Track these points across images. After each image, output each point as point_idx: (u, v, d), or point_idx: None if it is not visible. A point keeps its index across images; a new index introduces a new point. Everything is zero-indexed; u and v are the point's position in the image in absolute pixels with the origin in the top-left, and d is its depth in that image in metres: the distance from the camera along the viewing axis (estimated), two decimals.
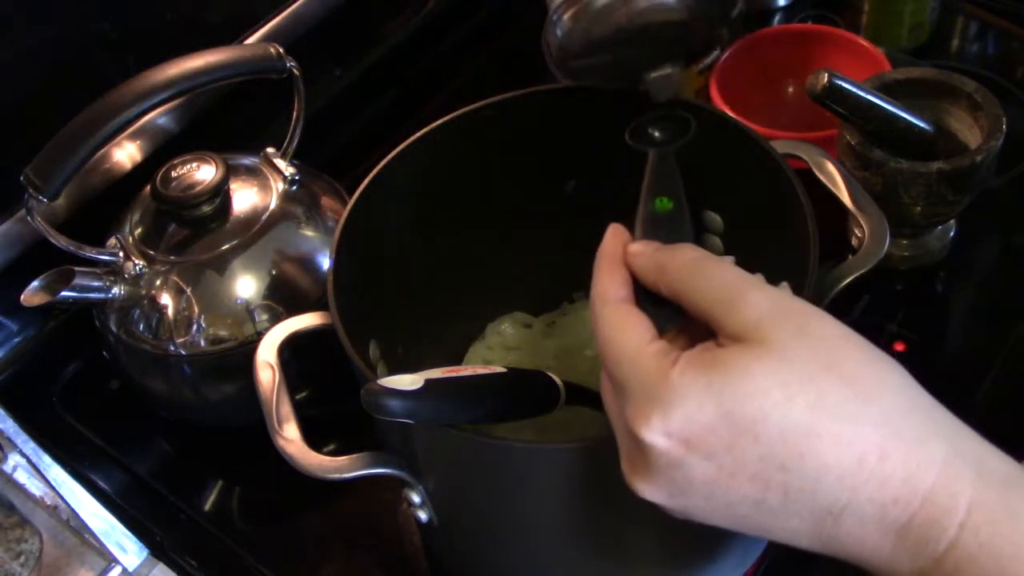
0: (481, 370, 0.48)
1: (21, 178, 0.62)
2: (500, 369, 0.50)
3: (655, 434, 0.36)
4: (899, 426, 0.35)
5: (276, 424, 0.50)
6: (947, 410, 0.37)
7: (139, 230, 0.68)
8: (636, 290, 0.41)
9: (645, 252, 0.41)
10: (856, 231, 0.73)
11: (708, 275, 0.38)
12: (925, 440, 0.35)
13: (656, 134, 0.50)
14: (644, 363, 0.37)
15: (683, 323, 0.39)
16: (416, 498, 0.52)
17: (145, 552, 0.65)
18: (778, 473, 0.35)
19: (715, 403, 0.35)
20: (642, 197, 0.46)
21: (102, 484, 0.70)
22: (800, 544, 0.37)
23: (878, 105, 0.66)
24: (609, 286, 0.40)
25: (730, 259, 0.43)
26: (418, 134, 0.58)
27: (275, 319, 0.65)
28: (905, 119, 0.67)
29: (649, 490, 0.37)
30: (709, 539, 0.53)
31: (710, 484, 0.36)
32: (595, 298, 0.41)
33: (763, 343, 0.35)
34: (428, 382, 0.44)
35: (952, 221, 0.74)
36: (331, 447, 0.65)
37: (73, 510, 0.66)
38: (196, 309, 0.66)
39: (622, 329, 0.38)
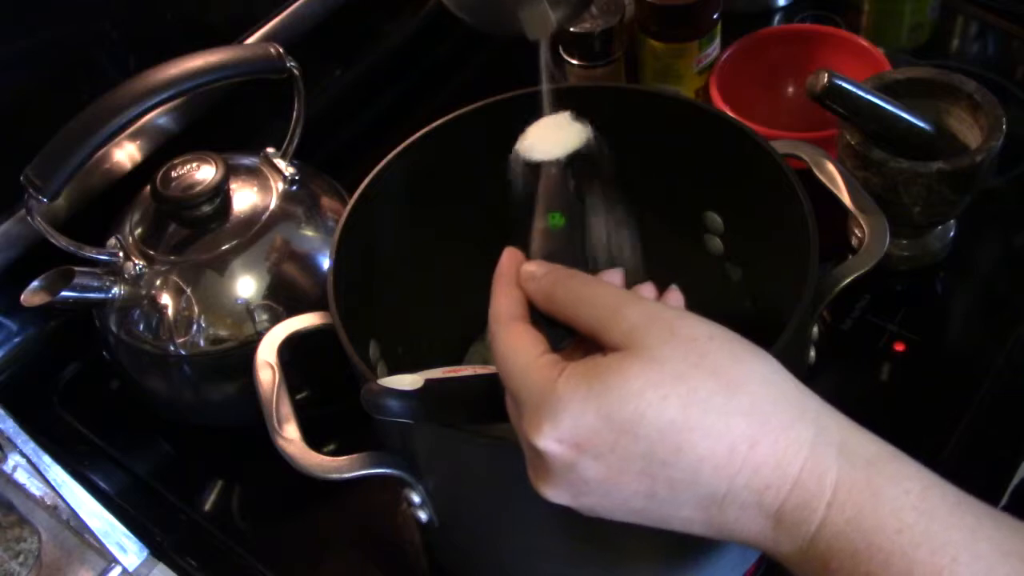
0: (481, 370, 0.48)
1: (21, 178, 0.62)
2: None
3: (548, 440, 0.38)
4: (767, 414, 0.37)
5: (276, 424, 0.50)
6: (814, 394, 0.39)
7: (139, 230, 0.69)
8: (532, 310, 0.43)
9: (536, 277, 0.43)
10: (856, 231, 0.73)
11: (588, 298, 0.41)
12: (792, 425, 0.37)
13: (547, 146, 0.50)
14: (534, 376, 0.39)
15: (578, 339, 0.42)
16: (416, 498, 0.52)
17: (145, 552, 0.65)
18: (661, 468, 0.37)
19: (596, 407, 0.37)
20: (536, 210, 0.47)
21: (102, 484, 0.70)
22: (697, 532, 0.39)
23: (878, 105, 0.66)
24: (504, 306, 0.43)
25: (617, 273, 0.45)
26: (418, 134, 0.58)
27: (275, 319, 0.65)
28: (905, 119, 0.67)
29: (553, 493, 0.40)
30: (709, 540, 0.53)
31: (603, 483, 0.38)
32: (491, 318, 0.43)
33: (636, 349, 0.38)
34: (428, 382, 0.44)
35: (952, 221, 0.74)
36: (331, 447, 0.65)
37: (73, 510, 0.66)
38: (196, 309, 0.66)
39: (514, 346, 0.41)
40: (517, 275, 0.44)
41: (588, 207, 0.56)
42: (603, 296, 0.41)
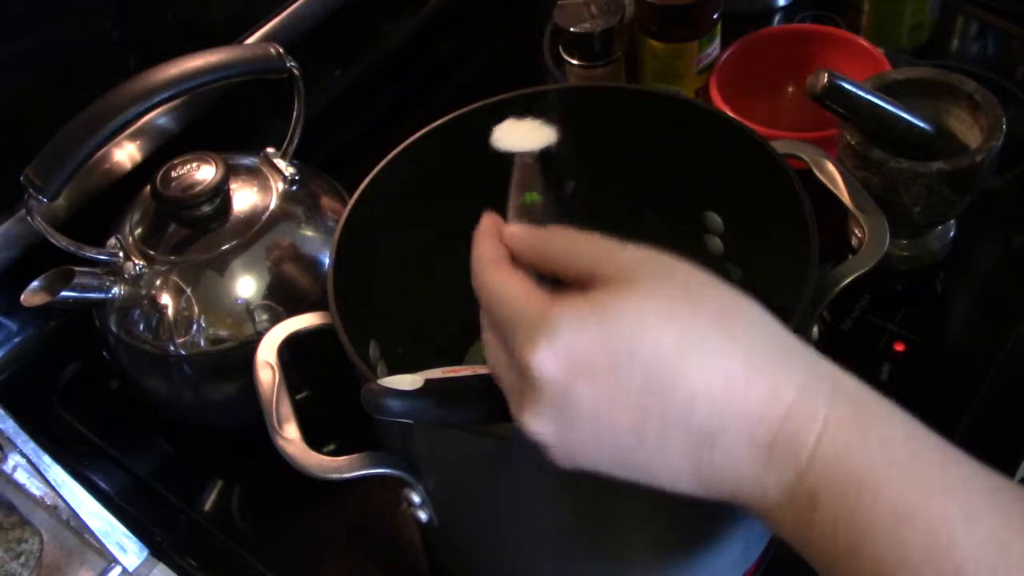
0: (481, 370, 0.48)
1: (21, 178, 0.62)
2: None
3: (542, 359, 0.37)
4: (761, 353, 0.38)
5: (276, 424, 0.50)
6: (801, 339, 0.39)
7: (139, 230, 0.69)
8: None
9: (520, 233, 0.43)
10: (856, 231, 0.73)
11: (582, 242, 0.41)
12: (784, 363, 0.38)
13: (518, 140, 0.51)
14: (528, 300, 0.39)
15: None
16: (416, 498, 0.52)
17: (145, 552, 0.65)
18: (656, 401, 0.37)
19: (594, 327, 0.37)
20: (511, 191, 0.49)
21: (102, 484, 0.70)
22: (682, 484, 0.39)
23: (878, 105, 0.66)
24: (488, 252, 0.43)
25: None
26: (418, 134, 0.58)
27: (275, 319, 0.65)
28: (905, 119, 0.67)
29: (538, 423, 0.38)
30: (709, 539, 0.53)
31: (595, 412, 0.37)
32: (476, 262, 0.43)
33: (633, 282, 0.38)
34: (428, 382, 0.44)
35: (952, 221, 0.74)
36: (331, 447, 0.65)
37: (73, 510, 0.66)
38: (196, 309, 0.66)
39: (504, 280, 0.41)
40: (500, 234, 0.44)
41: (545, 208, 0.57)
42: (596, 241, 0.41)
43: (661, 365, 0.37)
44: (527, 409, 0.39)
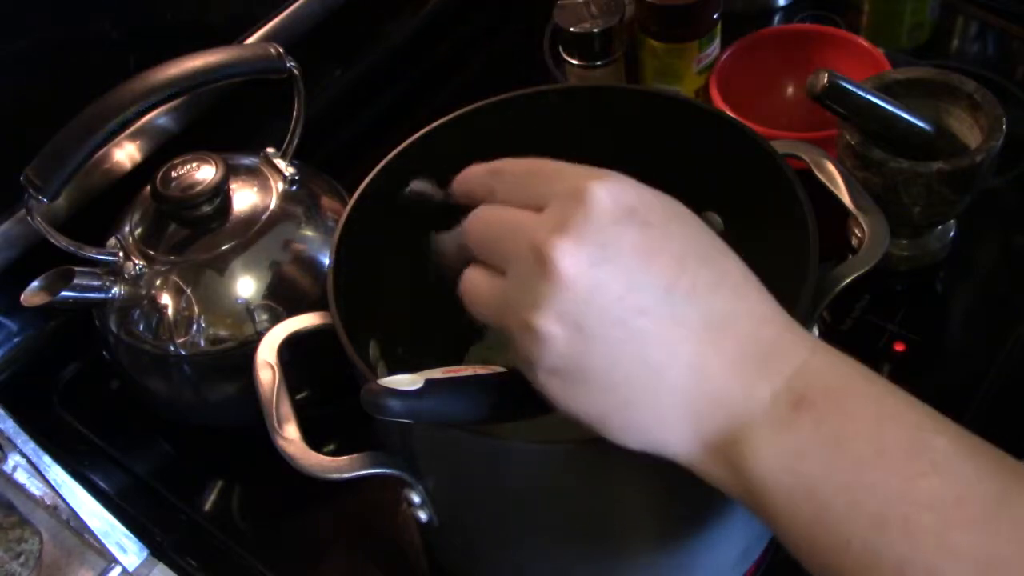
0: (481, 370, 0.48)
1: (21, 178, 0.62)
2: (500, 369, 0.50)
3: (603, 190, 0.37)
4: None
5: (276, 424, 0.50)
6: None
7: (139, 230, 0.69)
8: None
9: (476, 170, 0.43)
10: (856, 231, 0.73)
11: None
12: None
13: None
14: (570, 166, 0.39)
15: None
16: (416, 498, 0.52)
17: (145, 552, 0.65)
18: (695, 263, 0.38)
19: (652, 190, 0.39)
20: None
21: (102, 484, 0.70)
22: (677, 368, 0.38)
23: (878, 105, 0.66)
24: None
25: None
26: (418, 134, 0.58)
27: (275, 319, 0.65)
28: (905, 119, 0.67)
29: (571, 248, 0.37)
30: (709, 539, 0.53)
31: (636, 255, 0.37)
32: (497, 167, 0.42)
33: None
34: (428, 382, 0.44)
35: (952, 221, 0.74)
36: (331, 447, 0.65)
37: (73, 510, 0.66)
38: (196, 309, 0.66)
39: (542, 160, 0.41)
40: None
41: None
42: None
43: (701, 240, 0.39)
44: (563, 232, 0.37)
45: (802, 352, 0.38)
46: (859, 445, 0.36)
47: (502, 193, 0.41)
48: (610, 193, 0.37)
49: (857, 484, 0.36)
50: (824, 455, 0.36)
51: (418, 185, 0.48)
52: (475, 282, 0.41)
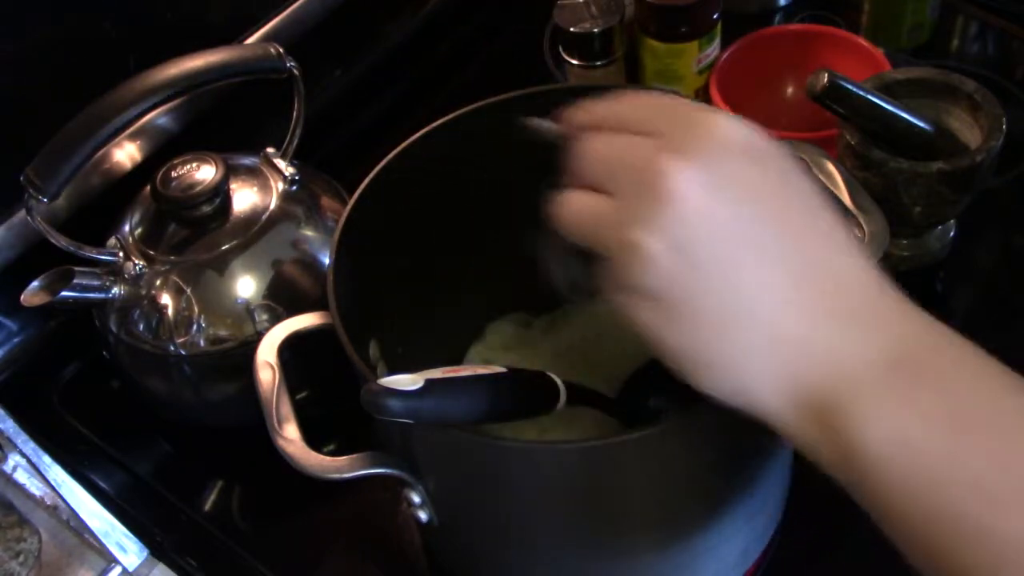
0: (481, 370, 0.48)
1: (21, 178, 0.62)
2: (500, 369, 0.50)
3: (726, 123, 0.38)
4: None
5: (276, 424, 0.50)
6: None
7: (139, 230, 0.68)
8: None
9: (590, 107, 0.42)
10: (856, 231, 0.73)
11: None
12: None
13: None
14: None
15: None
16: (416, 498, 0.52)
17: (145, 552, 0.65)
18: (803, 211, 0.38)
19: (770, 138, 0.39)
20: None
21: (102, 484, 0.70)
22: (773, 300, 0.37)
23: (878, 105, 0.66)
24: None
25: None
26: (418, 134, 0.58)
27: (275, 319, 0.65)
28: (905, 119, 0.67)
29: (687, 170, 0.37)
30: (709, 539, 0.53)
31: (749, 189, 0.38)
32: (589, 137, 0.41)
33: None
34: (428, 382, 0.44)
35: (952, 221, 0.74)
36: (331, 447, 0.65)
37: (73, 510, 0.66)
38: (196, 309, 0.66)
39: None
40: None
41: None
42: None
43: (812, 194, 0.39)
44: (684, 150, 0.37)
45: (911, 316, 0.37)
46: (977, 418, 0.36)
47: (618, 123, 0.41)
48: (732, 127, 0.38)
49: (973, 458, 0.35)
50: (941, 429, 0.35)
51: (534, 121, 0.47)
52: (575, 199, 0.41)
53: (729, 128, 0.38)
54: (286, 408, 0.50)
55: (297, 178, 0.70)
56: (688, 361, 0.39)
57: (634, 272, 0.38)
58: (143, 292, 0.66)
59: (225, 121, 0.82)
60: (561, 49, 0.83)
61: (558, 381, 0.53)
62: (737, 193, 0.37)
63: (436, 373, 0.45)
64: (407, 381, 0.43)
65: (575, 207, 0.41)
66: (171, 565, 0.65)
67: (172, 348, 0.66)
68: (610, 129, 0.40)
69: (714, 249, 0.37)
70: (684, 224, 0.37)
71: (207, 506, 0.69)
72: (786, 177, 0.39)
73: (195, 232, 0.67)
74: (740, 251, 0.37)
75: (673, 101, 0.41)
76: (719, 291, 0.37)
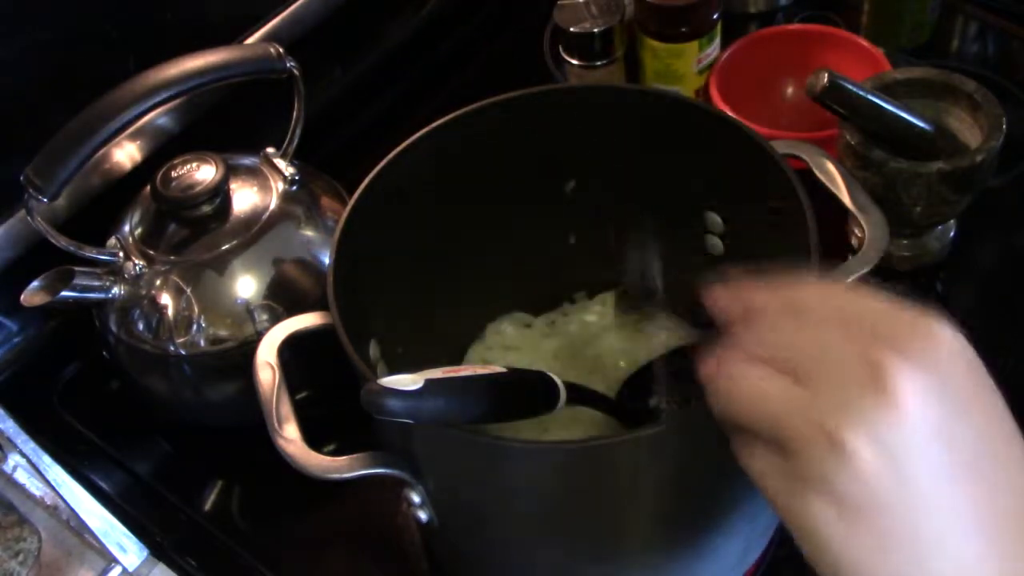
0: (481, 370, 0.48)
1: (21, 178, 0.62)
2: (500, 369, 0.50)
3: (949, 329, 0.36)
4: None
5: (276, 424, 0.50)
6: None
7: (139, 230, 0.68)
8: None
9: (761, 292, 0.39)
10: (856, 231, 0.73)
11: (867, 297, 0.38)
12: None
13: None
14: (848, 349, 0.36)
15: None
16: (416, 498, 0.52)
17: (145, 552, 0.65)
18: (1008, 436, 0.36)
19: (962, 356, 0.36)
20: None
21: (102, 484, 0.70)
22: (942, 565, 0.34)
23: (878, 105, 0.66)
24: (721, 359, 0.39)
25: None
26: (418, 134, 0.58)
27: (275, 319, 0.65)
28: (905, 119, 0.67)
29: (914, 374, 0.34)
30: (709, 540, 0.53)
31: (971, 402, 0.35)
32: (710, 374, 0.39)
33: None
34: (428, 382, 0.44)
35: (952, 221, 0.74)
36: (331, 447, 0.65)
37: (73, 510, 0.66)
38: (196, 309, 0.66)
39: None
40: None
41: None
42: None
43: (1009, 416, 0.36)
44: (907, 365, 0.34)
45: None
46: None
47: (821, 311, 0.37)
48: (958, 339, 0.36)
49: None
50: None
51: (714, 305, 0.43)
52: (755, 375, 0.37)
53: (956, 340, 0.36)
54: (286, 408, 0.50)
55: (297, 178, 0.70)
56: (846, 571, 0.35)
57: (827, 469, 0.34)
58: (143, 292, 0.66)
59: (225, 121, 0.82)
60: (561, 49, 0.83)
61: (558, 381, 0.53)
62: (958, 408, 0.35)
63: (436, 373, 0.45)
64: (407, 381, 0.43)
65: (755, 383, 0.37)
66: (171, 565, 0.65)
67: (172, 348, 0.66)
68: (798, 313, 0.38)
69: (927, 465, 0.34)
70: (902, 431, 0.33)
71: (207, 506, 0.69)
72: (995, 397, 0.36)
73: (195, 232, 0.67)
74: (952, 471, 0.34)
75: (879, 295, 0.38)
76: (923, 511, 0.34)
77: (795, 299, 0.38)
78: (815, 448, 0.34)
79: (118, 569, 0.64)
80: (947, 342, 0.35)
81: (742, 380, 0.37)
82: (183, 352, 0.66)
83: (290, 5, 0.85)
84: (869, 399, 0.33)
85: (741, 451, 0.38)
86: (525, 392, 0.52)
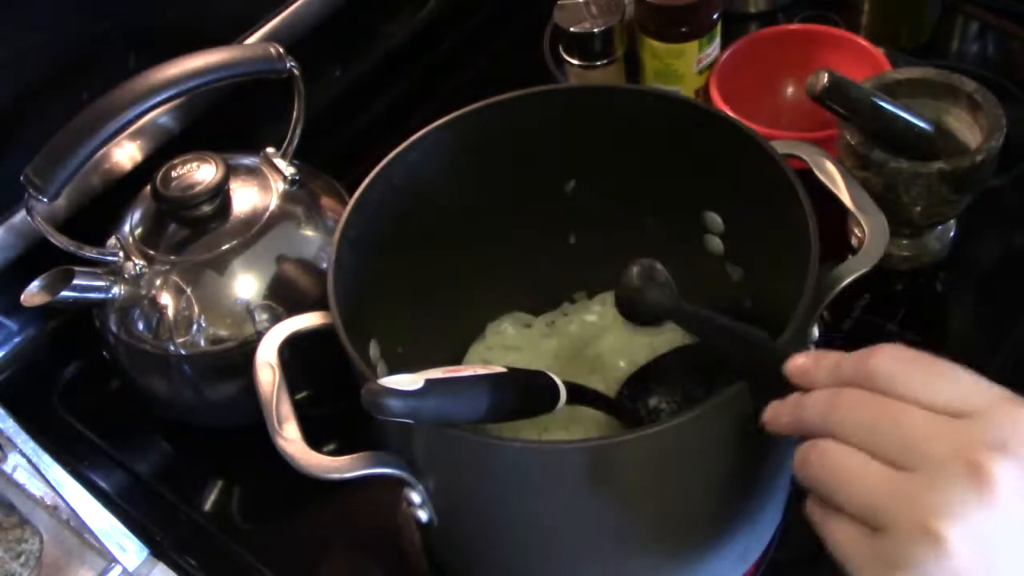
0: (481, 370, 0.48)
1: (21, 178, 0.62)
2: (500, 369, 0.50)
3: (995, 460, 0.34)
4: None
5: (276, 424, 0.50)
6: None
7: (139, 230, 0.69)
8: None
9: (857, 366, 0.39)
10: (856, 231, 0.73)
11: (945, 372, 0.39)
12: None
13: None
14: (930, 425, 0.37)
15: None
16: (416, 498, 0.52)
17: (145, 552, 0.65)
18: None
19: None
20: None
21: (102, 484, 0.70)
22: None
23: (878, 105, 0.66)
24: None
25: None
26: (418, 134, 0.58)
27: (275, 319, 0.65)
28: (905, 119, 0.67)
29: (1012, 467, 0.34)
30: (709, 540, 0.53)
31: None
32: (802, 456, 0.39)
33: None
34: (428, 382, 0.44)
35: (952, 221, 0.74)
36: (331, 447, 0.65)
37: (73, 510, 0.66)
38: (196, 309, 0.66)
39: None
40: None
41: None
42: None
43: None
44: (975, 495, 0.34)
45: None
46: None
47: (902, 386, 0.38)
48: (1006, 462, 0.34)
49: None
50: None
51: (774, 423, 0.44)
52: (854, 462, 0.37)
53: None
54: (286, 408, 0.50)
55: (297, 178, 0.70)
56: None
57: (920, 560, 0.34)
58: (143, 292, 0.66)
59: (225, 121, 0.82)
60: (561, 49, 0.83)
61: (558, 381, 0.53)
62: None
63: (436, 373, 0.45)
64: (407, 381, 0.43)
65: (853, 464, 0.37)
66: (171, 565, 0.65)
67: (172, 348, 0.66)
68: (876, 389, 0.38)
69: (1017, 558, 0.34)
70: (998, 526, 0.34)
71: (207, 506, 0.69)
72: None
73: (195, 232, 0.67)
74: None
75: (972, 375, 0.38)
76: None
77: (883, 374, 0.38)
78: (911, 537, 0.34)
79: (118, 569, 0.64)
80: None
81: (838, 455, 0.38)
82: (183, 352, 0.66)
83: (290, 5, 0.85)
84: (968, 491, 0.34)
85: (821, 515, 0.38)
86: (525, 392, 0.52)
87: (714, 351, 0.52)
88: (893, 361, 0.39)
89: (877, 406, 0.38)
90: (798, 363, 0.42)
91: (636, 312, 0.56)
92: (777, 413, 0.42)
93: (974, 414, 0.36)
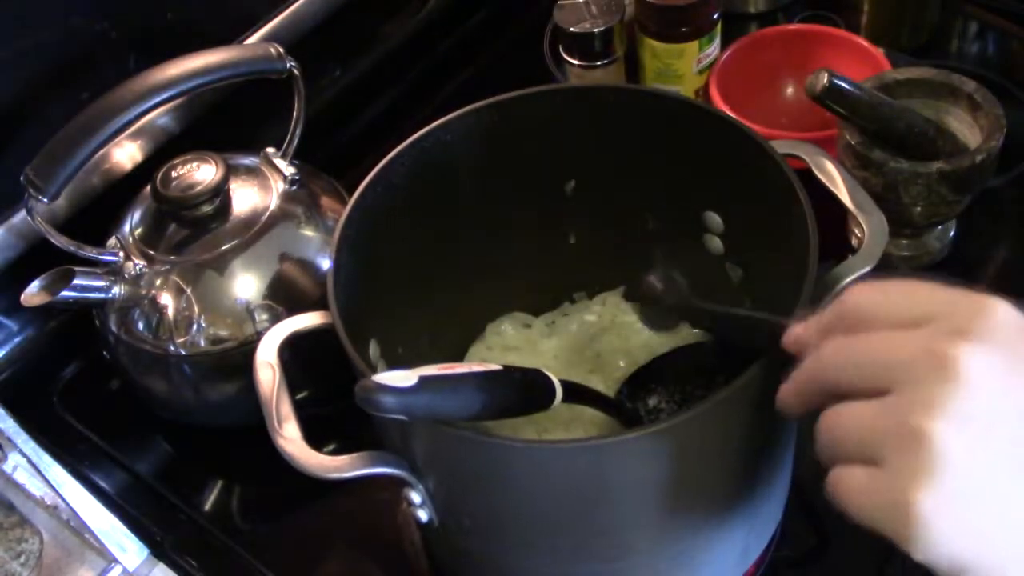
0: (476, 367, 0.48)
1: (21, 178, 0.62)
2: (495, 366, 0.50)
3: (1002, 304, 0.35)
4: None
5: (276, 424, 0.50)
6: None
7: (139, 230, 0.69)
8: None
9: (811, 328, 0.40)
10: (856, 231, 0.73)
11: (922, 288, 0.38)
12: None
13: None
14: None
15: None
16: (416, 498, 0.52)
17: (145, 552, 0.65)
18: None
19: None
20: None
21: (102, 484, 0.70)
22: None
23: (878, 105, 0.66)
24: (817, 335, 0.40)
25: None
26: (418, 134, 0.58)
27: (275, 319, 0.65)
28: (905, 119, 0.67)
29: (979, 350, 0.34)
30: (709, 540, 0.53)
31: None
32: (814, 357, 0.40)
33: None
34: (422, 378, 0.44)
35: (952, 221, 0.74)
36: (331, 447, 0.65)
37: (73, 510, 0.66)
38: (196, 309, 0.66)
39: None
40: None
41: None
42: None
43: None
44: (970, 336, 0.34)
45: None
46: None
47: (867, 318, 0.38)
48: (1010, 309, 0.35)
49: None
50: None
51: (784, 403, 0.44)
52: (847, 409, 0.37)
53: (1008, 310, 0.36)
54: (286, 408, 0.50)
55: (297, 178, 0.70)
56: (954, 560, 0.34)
57: (920, 465, 0.34)
58: (143, 292, 0.66)
59: (225, 121, 0.83)
60: (561, 49, 0.83)
61: (553, 378, 0.53)
62: (1020, 366, 0.35)
63: (431, 370, 0.45)
64: (401, 377, 0.43)
65: (835, 413, 0.37)
66: (171, 565, 0.65)
67: (172, 348, 0.66)
68: (851, 328, 0.38)
69: (1010, 431, 0.34)
70: (976, 406, 0.34)
71: (207, 506, 0.69)
72: None
73: (195, 232, 0.67)
74: None
75: (929, 284, 0.38)
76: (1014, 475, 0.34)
77: (852, 312, 0.39)
78: (904, 450, 0.34)
79: (118, 569, 0.64)
80: (1000, 313, 0.36)
81: (838, 415, 0.37)
82: (183, 352, 0.66)
83: (290, 5, 0.85)
84: (941, 384, 0.34)
85: (836, 482, 0.37)
86: (520, 389, 0.52)
87: (733, 341, 0.53)
88: (859, 296, 0.39)
89: (851, 343, 0.38)
90: (792, 334, 0.42)
91: (657, 318, 0.60)
92: (782, 391, 0.42)
93: (935, 316, 0.36)
